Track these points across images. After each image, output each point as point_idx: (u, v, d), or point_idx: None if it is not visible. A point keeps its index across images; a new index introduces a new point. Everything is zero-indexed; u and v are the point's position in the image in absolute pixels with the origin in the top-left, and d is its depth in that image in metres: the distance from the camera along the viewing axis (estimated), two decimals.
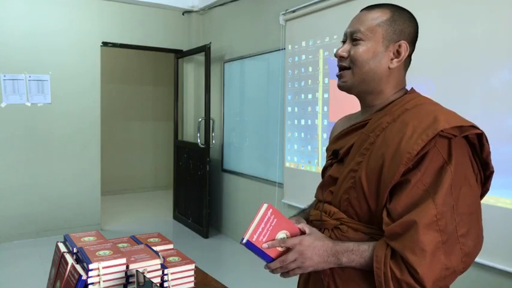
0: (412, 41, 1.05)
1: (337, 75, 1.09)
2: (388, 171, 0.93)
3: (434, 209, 0.87)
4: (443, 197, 0.87)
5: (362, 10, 1.08)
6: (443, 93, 2.34)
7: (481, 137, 0.94)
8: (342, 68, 1.07)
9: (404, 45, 1.02)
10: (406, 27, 1.03)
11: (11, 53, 4.29)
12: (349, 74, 1.05)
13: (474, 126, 0.92)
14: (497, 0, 2.13)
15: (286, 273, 1.00)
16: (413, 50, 1.07)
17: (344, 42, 1.09)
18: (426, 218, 0.86)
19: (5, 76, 4.28)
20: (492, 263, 2.16)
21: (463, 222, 0.88)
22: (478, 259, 2.18)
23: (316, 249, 0.97)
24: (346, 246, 0.97)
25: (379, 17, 1.02)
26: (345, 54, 1.05)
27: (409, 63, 1.08)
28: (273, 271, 1.01)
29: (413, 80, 2.50)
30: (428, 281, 0.85)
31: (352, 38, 1.05)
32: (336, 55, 1.08)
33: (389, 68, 1.03)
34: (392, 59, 1.02)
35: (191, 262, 1.34)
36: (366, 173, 0.98)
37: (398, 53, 1.02)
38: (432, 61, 2.43)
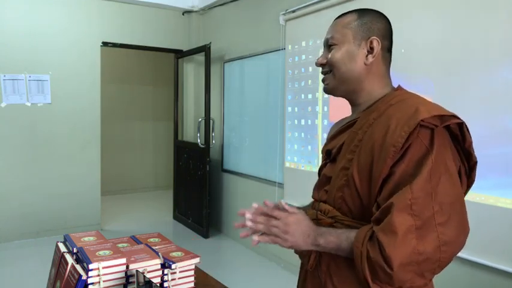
0: (384, 36, 1.09)
1: (322, 81, 1.17)
2: (377, 165, 0.96)
3: (409, 194, 0.89)
4: (421, 183, 0.89)
5: (335, 19, 1.16)
6: (443, 94, 2.34)
7: (462, 126, 0.96)
8: (324, 73, 1.15)
9: (375, 41, 1.07)
10: (373, 24, 1.09)
11: (11, 53, 4.29)
12: (330, 76, 1.12)
13: (455, 116, 0.94)
14: (497, 0, 2.13)
15: (266, 236, 1.01)
16: (390, 45, 1.12)
17: None
18: (402, 201, 0.89)
19: (5, 76, 4.28)
20: (492, 263, 2.16)
21: (442, 211, 0.90)
22: (477, 259, 2.19)
23: (301, 227, 1.00)
24: (326, 229, 1.02)
25: (347, 21, 1.11)
26: (323, 61, 1.13)
27: (390, 58, 1.13)
28: (255, 224, 1.02)
29: (413, 80, 2.51)
30: (395, 261, 0.87)
31: (328, 44, 1.13)
32: (316, 64, 1.15)
33: (365, 64, 1.08)
34: (367, 56, 1.08)
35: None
36: (357, 170, 1.01)
37: (371, 49, 1.07)
38: (432, 61, 2.43)
